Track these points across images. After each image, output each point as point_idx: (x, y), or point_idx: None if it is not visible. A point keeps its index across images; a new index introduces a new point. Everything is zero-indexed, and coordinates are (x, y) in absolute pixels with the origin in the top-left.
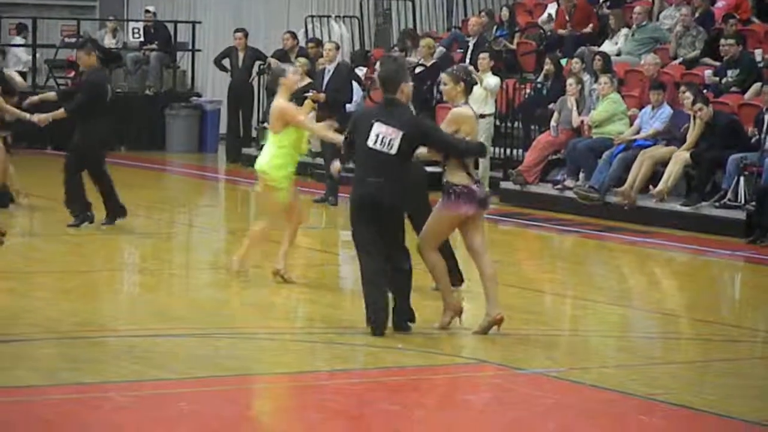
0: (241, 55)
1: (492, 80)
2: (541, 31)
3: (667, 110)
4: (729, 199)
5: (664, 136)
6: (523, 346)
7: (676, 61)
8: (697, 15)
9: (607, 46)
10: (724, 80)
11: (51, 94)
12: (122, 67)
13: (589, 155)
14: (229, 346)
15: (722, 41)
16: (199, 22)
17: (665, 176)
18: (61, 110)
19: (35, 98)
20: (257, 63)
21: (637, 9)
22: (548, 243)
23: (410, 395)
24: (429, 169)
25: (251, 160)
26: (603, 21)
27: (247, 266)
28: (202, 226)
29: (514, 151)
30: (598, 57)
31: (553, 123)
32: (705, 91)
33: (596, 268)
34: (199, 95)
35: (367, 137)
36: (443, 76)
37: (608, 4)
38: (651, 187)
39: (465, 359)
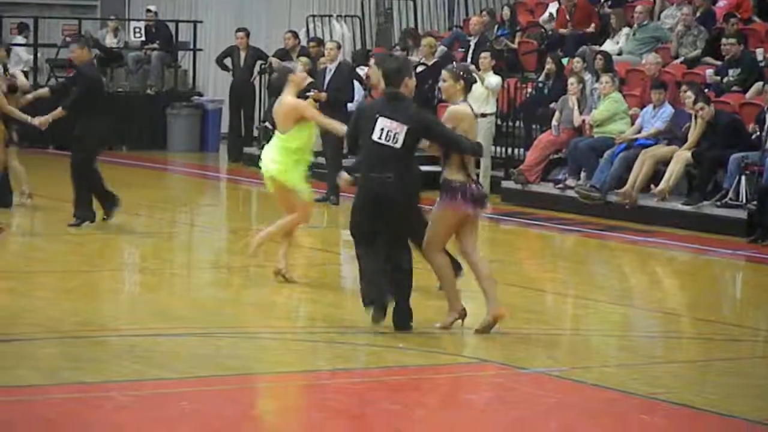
0: (242, 54)
1: (493, 79)
2: (543, 30)
3: (668, 109)
4: (730, 199)
5: (666, 136)
6: (525, 345)
7: (678, 61)
8: (698, 14)
9: (609, 46)
10: (725, 79)
11: (44, 91)
12: (123, 66)
13: (590, 154)
14: (230, 345)
15: (723, 40)
16: (201, 22)
17: (666, 175)
18: (59, 109)
19: (29, 97)
20: (259, 62)
21: (639, 8)
22: (549, 242)
23: (412, 394)
24: (423, 168)
25: (253, 160)
26: (604, 20)
27: (260, 251)
28: (203, 226)
29: (516, 151)
30: (599, 56)
31: (554, 122)
32: (706, 90)
33: (597, 268)
34: (200, 95)
35: (372, 132)
36: (443, 73)
37: (609, 3)
38: (652, 186)
39: (467, 358)
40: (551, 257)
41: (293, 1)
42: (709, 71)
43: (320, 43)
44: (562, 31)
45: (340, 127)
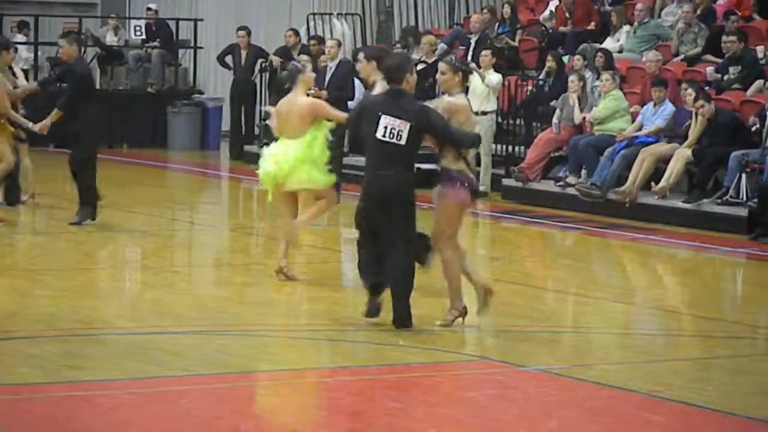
0: (243, 53)
1: (494, 77)
2: (543, 28)
3: (668, 107)
4: (731, 196)
5: (666, 133)
6: (526, 343)
7: (678, 58)
8: (698, 12)
9: (609, 43)
10: (725, 77)
11: (33, 87)
12: (124, 64)
13: (591, 152)
14: (231, 343)
15: (724, 38)
16: (201, 20)
17: (667, 173)
18: (55, 111)
19: (18, 91)
20: (260, 61)
21: (639, 6)
22: (550, 240)
23: (413, 392)
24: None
25: (254, 158)
26: (605, 18)
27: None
28: (204, 224)
29: (516, 149)
30: (599, 54)
31: (554, 120)
32: (707, 88)
33: (598, 265)
34: (200, 93)
35: (376, 129)
36: (442, 66)
37: (610, 0)
38: (653, 184)
39: (468, 356)
40: (552, 255)
41: None
42: (710, 69)
43: (321, 41)
44: (562, 28)
45: None
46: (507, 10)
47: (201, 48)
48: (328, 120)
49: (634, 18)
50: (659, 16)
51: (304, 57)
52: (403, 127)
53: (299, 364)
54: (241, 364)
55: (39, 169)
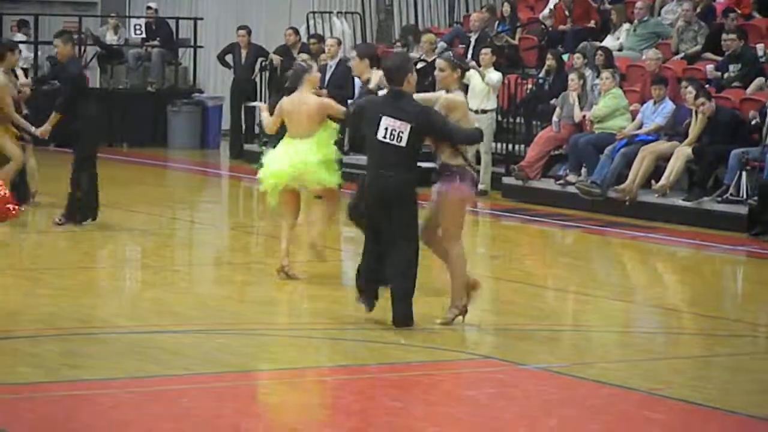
0: (244, 52)
1: (494, 76)
2: (543, 26)
3: (668, 105)
4: (731, 194)
5: (666, 132)
6: (526, 341)
7: (678, 56)
8: (698, 10)
9: (609, 42)
10: (725, 75)
11: (26, 89)
12: (124, 63)
13: (591, 150)
14: (231, 342)
15: (724, 36)
16: (201, 19)
17: (667, 171)
18: (53, 114)
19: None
20: (260, 59)
21: (639, 4)
22: (550, 238)
23: (413, 391)
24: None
25: (254, 156)
26: (605, 16)
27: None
28: (204, 223)
29: (516, 147)
30: (599, 52)
31: (555, 118)
32: (707, 86)
33: (598, 264)
34: (200, 91)
35: (377, 131)
36: (440, 63)
37: None
38: (653, 182)
39: (468, 355)
40: (552, 253)
41: None
42: (710, 67)
43: (321, 39)
44: (562, 27)
45: None
46: (507, 8)
47: (201, 47)
48: (339, 118)
49: (634, 16)
50: (659, 14)
51: (304, 56)
52: (404, 128)
53: (299, 362)
54: (242, 363)
55: (40, 169)
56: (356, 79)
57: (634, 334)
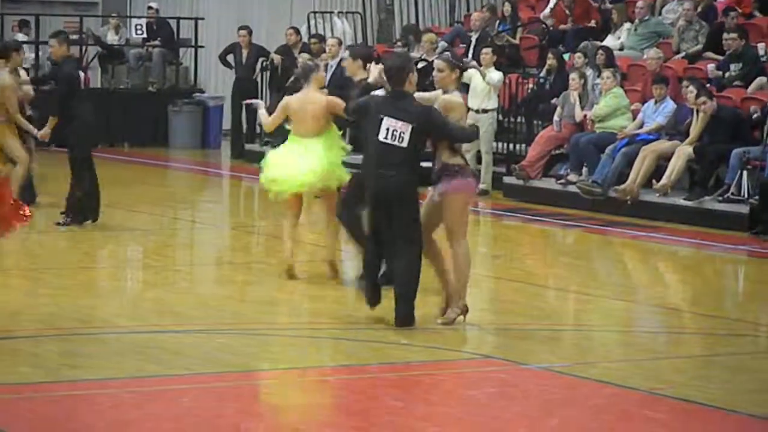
0: (245, 52)
1: (495, 75)
2: (544, 25)
3: (669, 105)
4: (732, 194)
5: (667, 131)
6: (527, 341)
7: (679, 56)
8: (699, 9)
9: (610, 41)
10: (726, 74)
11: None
12: (125, 63)
13: (592, 150)
14: (232, 342)
15: (725, 35)
16: (202, 19)
17: (668, 171)
18: (51, 117)
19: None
20: (261, 59)
21: (640, 3)
22: (551, 238)
23: (414, 390)
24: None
25: (255, 156)
26: (606, 15)
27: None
28: (205, 222)
29: (517, 146)
30: (600, 51)
31: (556, 118)
32: (708, 85)
33: (599, 263)
34: (201, 91)
35: (378, 132)
36: (439, 63)
37: None
38: (654, 181)
39: (469, 354)
40: (553, 253)
41: None
42: (711, 66)
43: (321, 39)
44: (563, 26)
45: None
46: (507, 7)
47: (202, 47)
48: (342, 117)
49: (635, 15)
50: (660, 14)
51: (306, 55)
52: (405, 128)
53: (300, 362)
54: (242, 363)
55: (40, 169)
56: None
57: (635, 333)
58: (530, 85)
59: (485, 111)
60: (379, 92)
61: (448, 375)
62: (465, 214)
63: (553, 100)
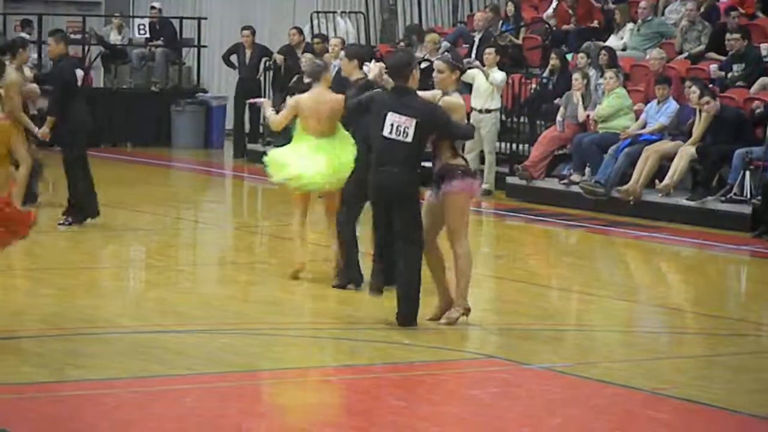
0: (248, 52)
1: (498, 75)
2: (547, 26)
3: (672, 105)
4: (735, 194)
5: (670, 131)
6: (530, 341)
7: (682, 56)
8: (702, 9)
9: (613, 41)
10: (729, 75)
11: (35, 90)
12: (128, 63)
13: (594, 150)
14: (235, 342)
15: (728, 36)
16: (205, 18)
17: (671, 171)
18: (48, 118)
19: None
20: (264, 59)
21: (643, 4)
22: (554, 238)
23: (417, 390)
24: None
25: (258, 156)
26: (608, 16)
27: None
28: (208, 222)
29: (520, 146)
30: (603, 52)
31: (558, 118)
32: (710, 85)
33: (602, 263)
34: (204, 91)
35: (382, 128)
36: (438, 64)
37: None
38: (657, 181)
39: (472, 354)
40: (556, 253)
41: None
42: (713, 66)
43: (324, 39)
44: (566, 27)
45: None
46: (510, 8)
47: (205, 47)
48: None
49: (637, 16)
50: (663, 14)
51: (309, 55)
52: (409, 123)
53: (303, 362)
54: (245, 363)
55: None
56: None
57: (637, 333)
58: (533, 86)
59: (488, 111)
60: (377, 91)
61: (450, 375)
62: (466, 214)
63: (556, 101)
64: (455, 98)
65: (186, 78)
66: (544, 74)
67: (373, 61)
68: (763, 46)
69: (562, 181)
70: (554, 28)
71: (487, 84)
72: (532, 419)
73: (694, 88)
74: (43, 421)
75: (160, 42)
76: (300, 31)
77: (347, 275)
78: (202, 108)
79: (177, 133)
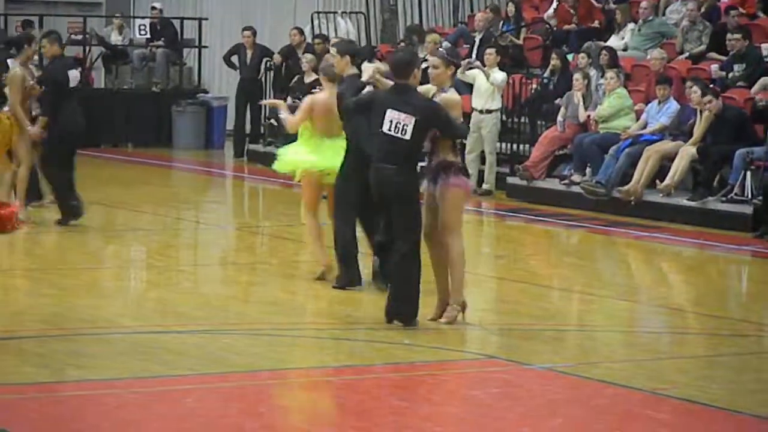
0: (249, 53)
1: (499, 75)
2: (548, 26)
3: (673, 105)
4: (736, 194)
5: (671, 131)
6: (531, 341)
7: (683, 56)
8: (703, 9)
9: (614, 41)
10: (730, 75)
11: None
12: (128, 63)
13: (595, 150)
14: (235, 342)
15: (729, 36)
16: (206, 19)
17: (672, 171)
18: (40, 118)
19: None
20: (265, 60)
21: (644, 4)
22: (555, 238)
23: (418, 390)
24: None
25: (258, 157)
26: (609, 16)
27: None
28: (208, 223)
29: (521, 147)
30: (604, 52)
31: (559, 118)
32: (711, 85)
33: (603, 263)
34: (205, 92)
35: (382, 124)
36: (434, 60)
37: None
38: (657, 182)
39: (473, 354)
40: (556, 253)
41: None
42: (714, 66)
43: (325, 39)
44: (567, 27)
45: None
46: (511, 8)
47: (206, 47)
48: None
49: (638, 16)
50: (664, 14)
51: (309, 56)
52: (409, 121)
53: (304, 363)
54: (246, 363)
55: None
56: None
57: (638, 333)
58: (534, 86)
59: (489, 111)
60: (369, 88)
61: (451, 375)
62: (460, 210)
63: (557, 101)
64: (453, 95)
65: (187, 78)
66: (545, 74)
67: (365, 62)
68: (764, 46)
69: (562, 182)
70: (555, 29)
71: (487, 84)
72: (533, 419)
73: (695, 88)
74: (44, 421)
75: (160, 42)
76: (301, 32)
77: (347, 275)
78: (203, 108)
79: (178, 134)
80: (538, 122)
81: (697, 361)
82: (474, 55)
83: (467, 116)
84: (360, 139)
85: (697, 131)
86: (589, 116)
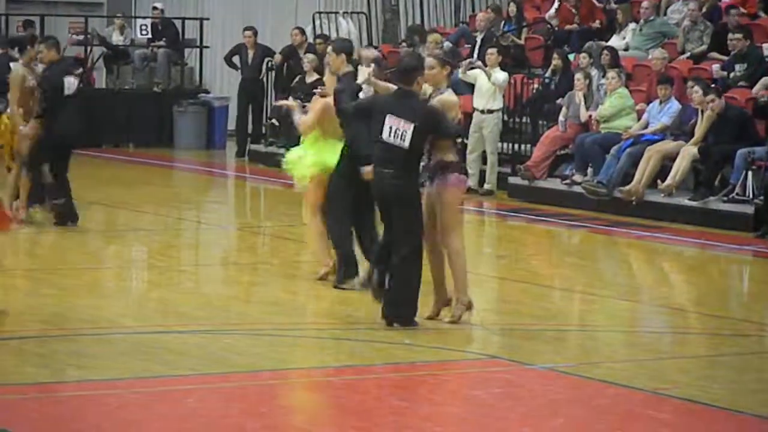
0: (250, 53)
1: (500, 75)
2: (549, 26)
3: (674, 105)
4: (737, 194)
5: (672, 131)
6: (532, 341)
7: (684, 56)
8: (704, 9)
9: (615, 41)
10: (731, 75)
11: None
12: (130, 64)
13: (597, 150)
14: (237, 342)
15: (730, 35)
16: (207, 19)
17: (673, 171)
18: (33, 119)
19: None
20: (266, 60)
21: (645, 4)
22: (556, 238)
23: (419, 391)
24: None
25: (260, 157)
26: (611, 16)
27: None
28: (210, 223)
29: (522, 147)
30: (605, 52)
31: (561, 118)
32: (712, 85)
33: (604, 263)
34: (207, 92)
35: (382, 129)
36: (430, 61)
37: None
38: (659, 181)
39: (474, 354)
40: (558, 253)
41: None
42: (716, 66)
43: (327, 39)
44: (568, 27)
45: None
46: (513, 8)
47: (207, 47)
48: None
49: (640, 16)
50: (665, 14)
51: (311, 56)
52: (407, 127)
53: (305, 363)
54: (247, 364)
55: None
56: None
57: (640, 333)
58: (535, 86)
59: (490, 111)
60: (366, 88)
61: (452, 375)
62: (459, 209)
63: (558, 101)
64: (450, 96)
65: (188, 78)
66: (546, 74)
67: (361, 66)
68: (765, 45)
69: (564, 182)
70: (556, 28)
71: (489, 84)
72: (535, 419)
73: (696, 87)
74: (45, 421)
75: (162, 42)
76: (302, 32)
77: (346, 274)
78: (204, 109)
79: (179, 134)
80: (540, 122)
81: (698, 361)
82: (475, 55)
83: (469, 116)
84: (360, 145)
85: (699, 131)
86: (590, 116)
